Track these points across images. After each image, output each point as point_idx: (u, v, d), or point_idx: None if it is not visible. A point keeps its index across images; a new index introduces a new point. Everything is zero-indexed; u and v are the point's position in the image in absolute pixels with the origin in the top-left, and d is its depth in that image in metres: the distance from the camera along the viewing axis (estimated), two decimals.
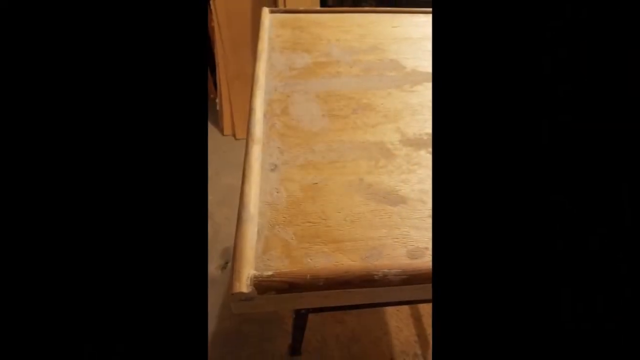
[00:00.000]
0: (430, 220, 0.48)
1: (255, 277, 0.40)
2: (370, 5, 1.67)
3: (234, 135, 1.74)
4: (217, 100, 1.73)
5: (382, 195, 0.52)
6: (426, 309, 1.11)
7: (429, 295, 0.44)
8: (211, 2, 1.51)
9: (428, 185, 0.53)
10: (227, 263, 1.22)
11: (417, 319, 1.09)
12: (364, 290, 0.41)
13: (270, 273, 0.40)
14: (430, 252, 0.45)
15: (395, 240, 0.46)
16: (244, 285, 0.39)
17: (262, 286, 0.39)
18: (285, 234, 0.46)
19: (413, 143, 0.61)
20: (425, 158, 0.58)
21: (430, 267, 0.41)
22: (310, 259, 0.43)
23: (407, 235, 0.46)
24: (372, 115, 0.68)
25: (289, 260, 0.43)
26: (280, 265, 0.43)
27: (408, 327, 1.07)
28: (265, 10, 1.02)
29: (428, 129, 0.65)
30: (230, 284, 0.40)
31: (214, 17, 1.54)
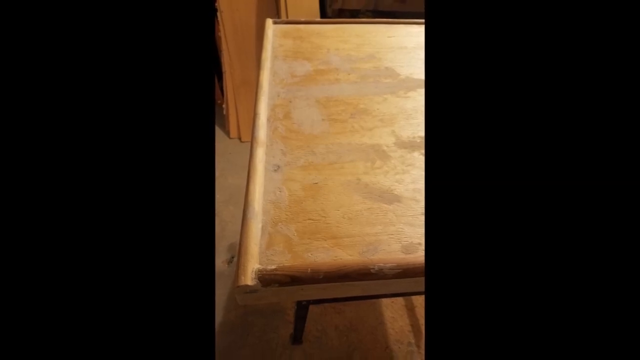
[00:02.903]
0: (423, 218, 0.48)
1: (260, 270, 0.40)
2: (367, 17, 1.66)
3: (239, 138, 1.74)
4: (224, 106, 1.73)
5: (378, 194, 0.52)
6: (419, 301, 1.11)
7: (422, 288, 0.44)
8: (218, 14, 1.50)
9: (421, 184, 0.53)
10: (233, 257, 1.22)
11: (410, 309, 1.09)
12: (361, 283, 0.41)
13: (273, 267, 0.40)
14: (423, 247, 0.45)
15: (391, 236, 0.46)
16: (249, 279, 0.39)
17: (266, 279, 0.39)
18: (288, 231, 0.46)
19: (407, 145, 0.61)
20: (418, 159, 0.58)
21: (423, 261, 0.41)
22: (311, 254, 0.43)
23: (401, 232, 0.46)
24: (368, 120, 0.67)
25: (291, 255, 0.43)
26: (283, 260, 0.43)
27: (402, 318, 1.07)
28: (269, 22, 1.02)
29: (421, 132, 0.65)
30: (236, 277, 0.40)
31: (220, 27, 1.54)
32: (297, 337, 0.98)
